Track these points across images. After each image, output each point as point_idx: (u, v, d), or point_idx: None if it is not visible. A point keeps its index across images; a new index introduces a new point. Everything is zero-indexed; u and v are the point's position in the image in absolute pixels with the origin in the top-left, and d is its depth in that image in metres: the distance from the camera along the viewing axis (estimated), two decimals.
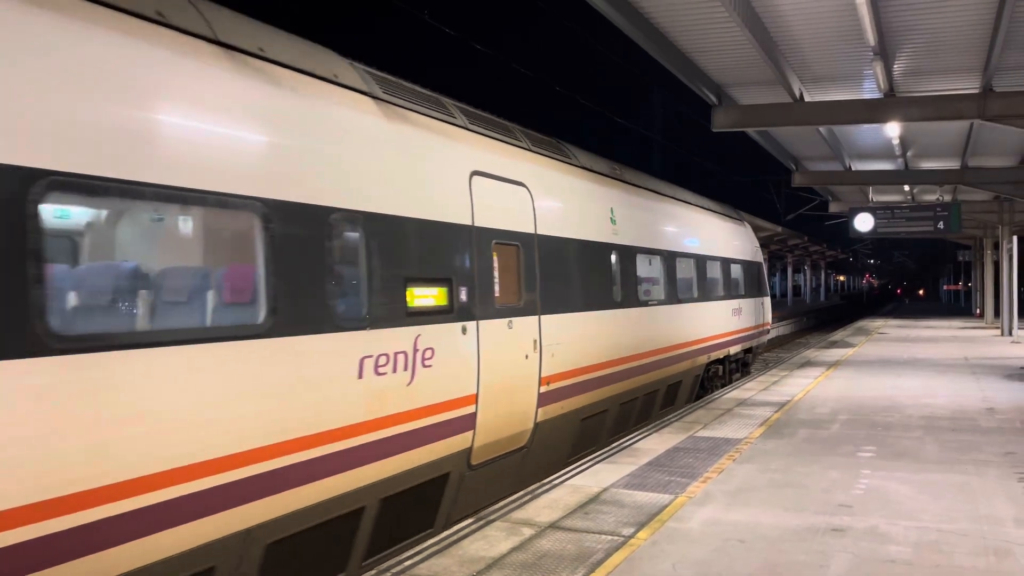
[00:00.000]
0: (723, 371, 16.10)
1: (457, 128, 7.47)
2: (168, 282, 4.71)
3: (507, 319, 7.69)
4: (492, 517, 6.35)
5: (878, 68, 11.94)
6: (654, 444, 9.16)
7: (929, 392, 13.14)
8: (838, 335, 28.68)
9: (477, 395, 7.09)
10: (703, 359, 14.36)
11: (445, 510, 7.01)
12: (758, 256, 19.28)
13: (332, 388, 5.43)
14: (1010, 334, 26.42)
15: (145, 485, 4.14)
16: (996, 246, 31.38)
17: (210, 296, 4.81)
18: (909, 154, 20.33)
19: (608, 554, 5.46)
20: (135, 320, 4.49)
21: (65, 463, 3.77)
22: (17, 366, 3.61)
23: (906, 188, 26.93)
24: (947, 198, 27.05)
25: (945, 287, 78.25)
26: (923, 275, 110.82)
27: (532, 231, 8.34)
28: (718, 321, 15.18)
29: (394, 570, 5.24)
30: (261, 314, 4.92)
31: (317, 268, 5.35)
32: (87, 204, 4.50)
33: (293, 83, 5.54)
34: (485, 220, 7.46)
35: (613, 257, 10.45)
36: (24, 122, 3.74)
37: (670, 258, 12.69)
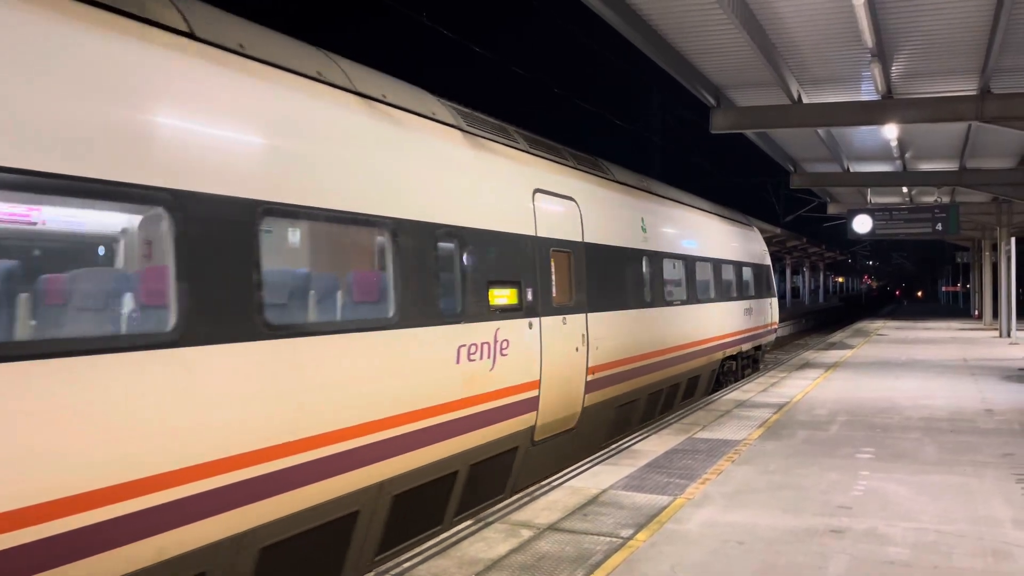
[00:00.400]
0: (736, 367, 17.08)
1: (521, 152, 8.68)
2: (350, 284, 6.15)
3: (562, 316, 8.87)
4: (491, 519, 6.35)
5: (876, 70, 11.96)
6: (653, 446, 9.17)
7: (928, 393, 13.16)
8: (837, 336, 28.70)
9: (540, 381, 8.28)
10: (719, 355, 15.42)
11: (512, 480, 8.11)
12: (766, 259, 20.34)
13: (440, 370, 6.66)
14: (1008, 335, 26.44)
15: (322, 440, 5.42)
16: (994, 247, 31.42)
17: (367, 294, 6.24)
18: (907, 156, 20.36)
19: (607, 556, 5.46)
20: (327, 314, 5.85)
21: (282, 418, 5.04)
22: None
23: (904, 190, 26.96)
24: (945, 200, 27.07)
25: (944, 288, 78.33)
26: (922, 277, 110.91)
27: (580, 239, 9.58)
28: (732, 320, 16.24)
29: (394, 572, 5.24)
30: (391, 310, 6.19)
31: (430, 272, 6.62)
32: (304, 227, 5.83)
33: (407, 122, 6.78)
34: (545, 230, 8.68)
35: (644, 262, 11.66)
36: (262, 170, 5.14)
37: (691, 262, 13.85)
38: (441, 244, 6.84)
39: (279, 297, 5.30)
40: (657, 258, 12.21)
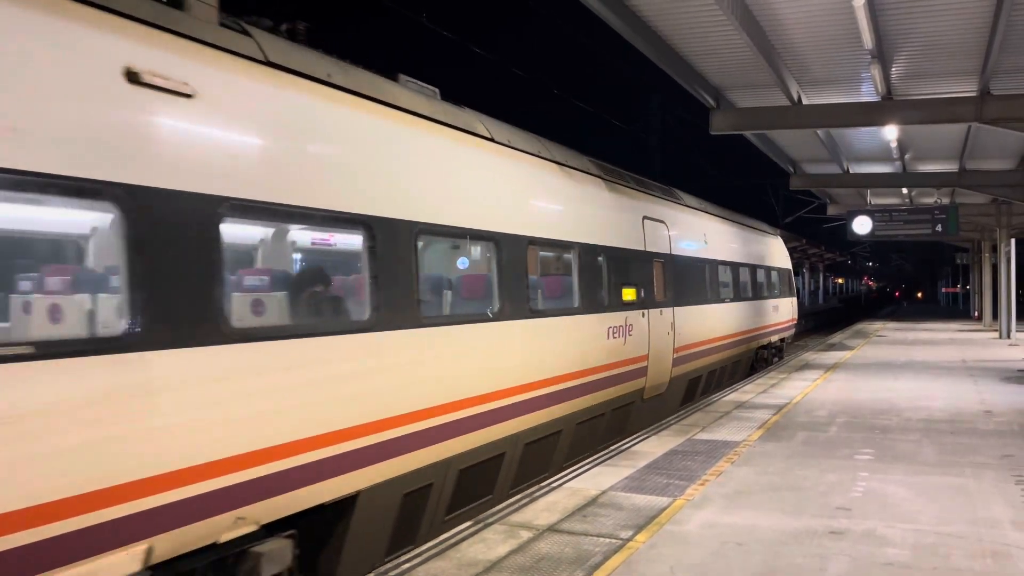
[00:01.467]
0: (767, 354, 20.29)
1: (632, 190, 11.74)
2: (561, 287, 9.28)
3: (659, 309, 11.93)
4: (490, 520, 6.35)
5: (876, 71, 11.97)
6: (652, 447, 9.17)
7: (927, 395, 13.15)
8: (836, 338, 28.70)
9: (648, 355, 11.33)
10: (755, 344, 18.59)
11: (630, 424, 11.19)
12: (788, 263, 23.55)
13: (598, 343, 9.69)
14: (1008, 337, 26.44)
15: (541, 384, 8.20)
16: (994, 249, 31.42)
17: (557, 291, 9.19)
18: (907, 157, 20.36)
19: (606, 557, 5.46)
20: (553, 304, 8.95)
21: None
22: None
23: (904, 191, 26.97)
24: (945, 201, 27.07)
25: (943, 290, 78.33)
26: (921, 278, 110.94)
27: (669, 252, 12.65)
28: (764, 315, 19.44)
29: (392, 573, 5.24)
30: (576, 302, 9.24)
31: (594, 277, 9.74)
32: (542, 252, 9.01)
33: (578, 177, 9.90)
34: (650, 246, 11.80)
35: (706, 268, 14.60)
36: (532, 218, 8.33)
37: (735, 267, 16.87)
38: (598, 258, 9.91)
39: (542, 294, 8.91)
40: (714, 265, 15.16)
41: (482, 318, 7.34)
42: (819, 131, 16.90)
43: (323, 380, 5.26)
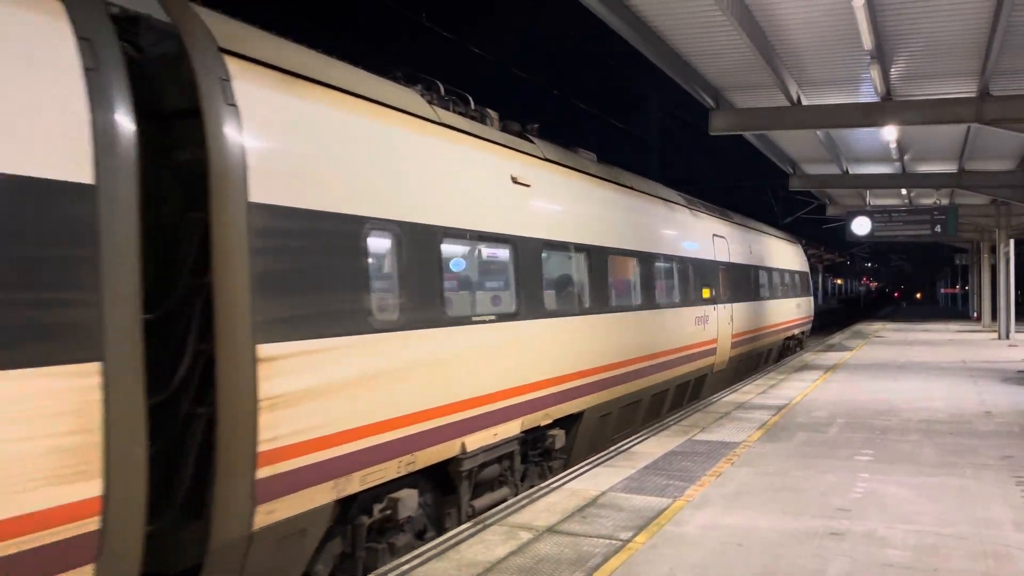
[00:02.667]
0: (792, 344, 24.23)
1: (704, 213, 15.57)
2: (673, 287, 12.82)
3: (723, 304, 15.57)
4: (490, 521, 6.34)
5: (875, 72, 11.96)
6: (652, 447, 9.16)
7: (927, 396, 13.15)
8: (836, 338, 28.69)
9: (716, 339, 15.02)
10: (784, 335, 22.36)
11: (703, 392, 14.69)
12: (806, 267, 27.74)
13: (686, 329, 13.16)
14: (1007, 337, 26.44)
15: (658, 355, 11.83)
16: (993, 249, 31.43)
17: (672, 290, 12.72)
18: (906, 158, 20.36)
19: (606, 558, 5.45)
20: (672, 299, 12.68)
21: (648, 343, 11.36)
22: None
23: (903, 191, 26.96)
24: (944, 201, 27.07)
25: (943, 290, 78.33)
26: (920, 278, 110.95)
27: (728, 260, 16.39)
28: (790, 311, 23.18)
29: (393, 574, 5.23)
30: (679, 298, 12.86)
31: (688, 280, 13.42)
32: (657, 263, 12.13)
33: (673, 207, 13.41)
34: (718, 256, 15.66)
35: (751, 272, 18.46)
36: (645, 238, 11.73)
37: (770, 272, 20.72)
38: (690, 267, 13.63)
39: (664, 292, 12.37)
40: (756, 270, 18.97)
41: (639, 307, 11.28)
42: (818, 132, 16.89)
43: (576, 340, 9.19)
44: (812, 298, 28.44)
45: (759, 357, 19.58)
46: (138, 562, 4.13)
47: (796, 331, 24.47)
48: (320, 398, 5.29)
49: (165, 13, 4.88)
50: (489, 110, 8.56)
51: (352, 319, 5.63)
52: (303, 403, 5.15)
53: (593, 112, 21.09)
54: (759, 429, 10.24)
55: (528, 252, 8.23)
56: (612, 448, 9.19)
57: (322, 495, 5.34)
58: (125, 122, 4.15)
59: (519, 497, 7.08)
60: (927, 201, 28.52)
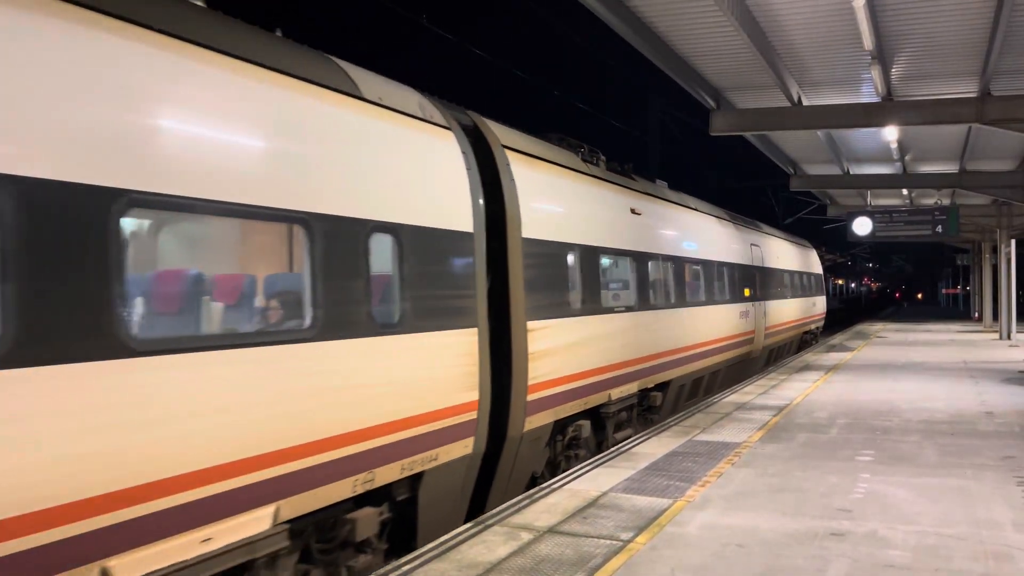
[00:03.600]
0: (809, 338, 27.90)
1: (743, 226, 18.98)
2: (719, 288, 16.14)
3: (758, 302, 18.99)
4: (490, 522, 6.34)
5: (876, 72, 11.95)
6: (653, 448, 9.16)
7: (928, 396, 13.14)
8: (836, 339, 28.68)
9: (755, 331, 18.46)
10: (803, 329, 26.34)
11: (746, 370, 18.08)
12: (820, 269, 32.22)
13: (735, 321, 16.71)
14: (1008, 338, 26.42)
15: (714, 342, 15.26)
16: (994, 250, 31.40)
17: (725, 290, 16.26)
18: (907, 158, 20.35)
19: (607, 559, 5.45)
20: (716, 297, 15.78)
21: (701, 334, 14.32)
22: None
23: (904, 192, 26.95)
24: (945, 202, 27.04)
25: (944, 291, 78.27)
26: (921, 279, 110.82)
27: (761, 265, 19.85)
28: (808, 308, 27.17)
29: (394, 575, 5.23)
30: (730, 297, 16.49)
31: (738, 282, 17.17)
32: (696, 266, 14.66)
33: (721, 222, 17.05)
34: (755, 262, 19.00)
35: (777, 275, 21.99)
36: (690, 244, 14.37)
37: (791, 274, 24.41)
38: (738, 271, 17.10)
39: (719, 291, 15.57)
40: (781, 273, 22.67)
41: (704, 303, 14.56)
42: (819, 132, 16.89)
43: (668, 327, 12.37)
44: (826, 297, 33.47)
45: (784, 347, 23.61)
46: (484, 439, 7.33)
47: (812, 326, 28.62)
48: (552, 355, 8.57)
49: (474, 124, 8.21)
50: (600, 153, 11.19)
51: (563, 307, 8.93)
52: (545, 357, 8.41)
53: (593, 112, 21.10)
54: (760, 430, 10.23)
55: (642, 263, 11.57)
56: (612, 449, 9.19)
57: (548, 417, 8.61)
58: (477, 196, 7.32)
59: (520, 497, 7.08)
60: (928, 201, 28.49)
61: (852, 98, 14.12)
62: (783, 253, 23.33)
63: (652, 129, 32.77)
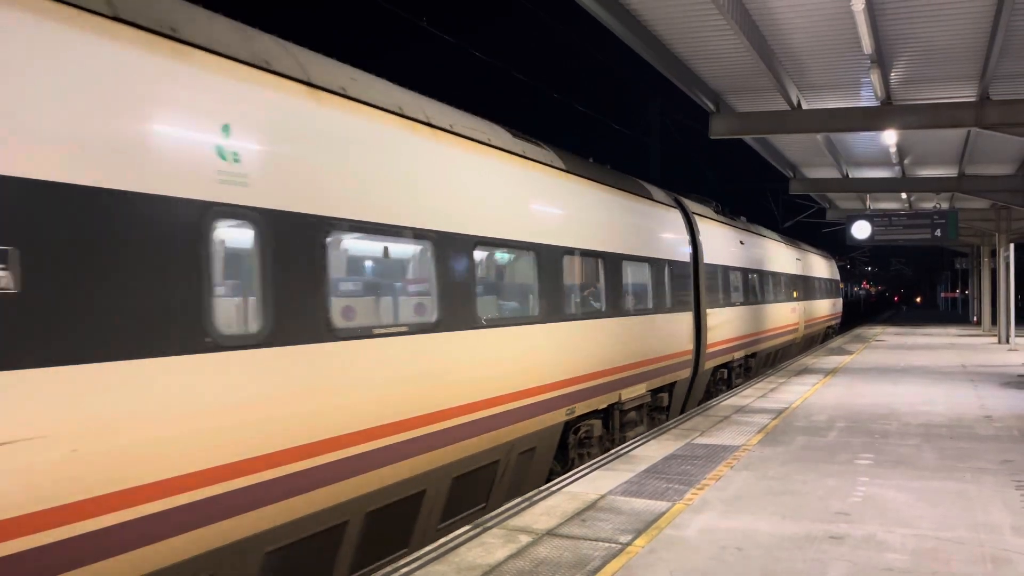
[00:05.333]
0: (830, 332, 34.09)
1: (789, 244, 25.72)
2: (788, 291, 24.46)
3: (800, 302, 25.54)
4: (489, 524, 6.33)
5: (875, 76, 11.97)
6: (651, 451, 9.15)
7: (926, 400, 13.14)
8: (836, 342, 28.69)
9: (798, 323, 25.07)
10: (825, 325, 32.37)
11: (790, 351, 24.33)
12: (837, 274, 38.87)
13: (788, 315, 23.42)
14: (1007, 341, 26.43)
15: (768, 332, 20.72)
16: (993, 254, 31.42)
17: (781, 292, 23.11)
18: (906, 161, 20.38)
19: (605, 561, 5.45)
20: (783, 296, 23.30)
21: (751, 326, 19.07)
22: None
23: (903, 195, 26.98)
24: (944, 206, 27.10)
25: (943, 294, 78.29)
26: (920, 282, 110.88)
27: (800, 274, 26.25)
28: (829, 308, 33.49)
29: None
30: (784, 297, 23.24)
31: (789, 288, 24.04)
32: (764, 276, 21.04)
33: (779, 242, 24.14)
34: (797, 271, 25.86)
35: (809, 281, 27.77)
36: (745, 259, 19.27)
37: (819, 280, 30.76)
38: (788, 279, 23.63)
39: (778, 293, 22.40)
40: (812, 279, 28.85)
41: (773, 301, 20.61)
42: (819, 136, 16.91)
43: (761, 316, 19.58)
44: (842, 299, 41.31)
45: (816, 336, 30.15)
46: (692, 369, 13.73)
47: (833, 321, 35.79)
48: (717, 328, 15.04)
49: (668, 198, 13.77)
50: (719, 204, 17.65)
51: (720, 301, 15.42)
52: (714, 329, 14.81)
53: (593, 115, 21.13)
54: (759, 433, 10.23)
55: (747, 275, 17.68)
56: (612, 451, 9.18)
57: (716, 362, 15.19)
58: (690, 243, 14.01)
59: (518, 500, 7.07)
60: (927, 205, 28.54)
61: (851, 102, 14.14)
62: (815, 264, 30.70)
63: (652, 132, 32.78)
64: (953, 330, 35.73)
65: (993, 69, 11.75)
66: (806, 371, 17.89)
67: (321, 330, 5.38)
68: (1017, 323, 27.39)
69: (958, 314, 56.89)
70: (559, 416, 8.68)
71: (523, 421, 7.82)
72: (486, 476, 7.52)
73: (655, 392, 12.15)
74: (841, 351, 23.75)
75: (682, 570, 5.27)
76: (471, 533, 6.10)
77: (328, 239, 5.54)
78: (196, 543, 4.48)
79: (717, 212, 17.13)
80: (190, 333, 4.45)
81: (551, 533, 6.10)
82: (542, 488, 7.49)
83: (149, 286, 4.24)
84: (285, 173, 5.22)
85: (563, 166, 9.42)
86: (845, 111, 14.05)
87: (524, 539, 5.95)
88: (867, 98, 13.86)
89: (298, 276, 5.25)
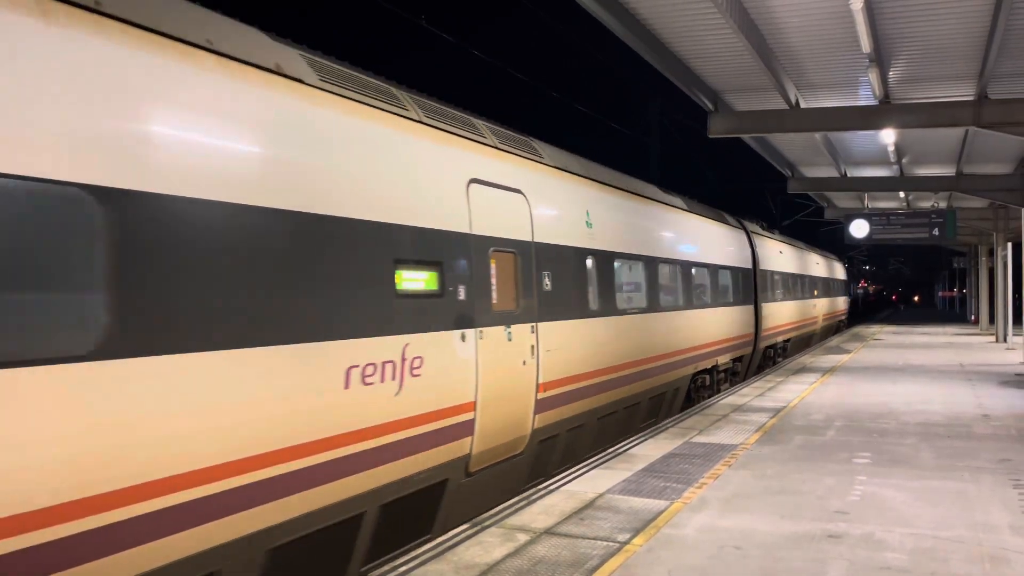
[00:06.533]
0: (840, 325, 39.46)
1: (812, 251, 31.88)
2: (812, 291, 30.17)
3: (823, 298, 31.99)
4: (487, 523, 6.33)
5: (873, 75, 11.97)
6: (650, 450, 9.15)
7: (924, 399, 13.15)
8: (834, 341, 28.72)
9: (818, 317, 30.82)
10: (837, 319, 37.07)
11: (813, 341, 29.76)
12: (843, 275, 43.57)
13: (810, 309, 28.44)
14: (1005, 341, 26.46)
15: (782, 328, 23.70)
16: (991, 253, 31.44)
17: (819, 289, 31.84)
18: (905, 161, 20.38)
19: (603, 560, 5.45)
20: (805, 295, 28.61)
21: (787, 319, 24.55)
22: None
23: (902, 194, 26.99)
24: (943, 205, 27.09)
25: (941, 294, 78.36)
26: (919, 282, 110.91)
27: (821, 275, 32.20)
28: (840, 304, 38.71)
29: (391, 575, 5.22)
30: (810, 295, 28.86)
31: (812, 285, 29.39)
32: (785, 278, 25.32)
33: (812, 252, 32.00)
34: (819, 274, 31.72)
35: (827, 282, 33.31)
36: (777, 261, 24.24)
37: (834, 280, 36.21)
38: (811, 279, 28.79)
39: (817, 291, 30.81)
40: (829, 279, 33.95)
41: (803, 298, 26.64)
42: (817, 135, 16.90)
43: (797, 309, 25.41)
44: (849, 297, 48.45)
45: (830, 327, 34.93)
46: (752, 349, 18.97)
47: (842, 316, 41.07)
48: (771, 317, 20.81)
49: (735, 221, 19.29)
50: (764, 222, 22.11)
51: (772, 297, 21.24)
52: (769, 318, 20.44)
53: (593, 115, 21.12)
54: (757, 432, 10.24)
55: (786, 278, 21.30)
56: (610, 450, 9.18)
57: (767, 342, 20.50)
58: (751, 254, 19.33)
59: (517, 499, 7.07)
60: (925, 204, 28.54)
61: (850, 101, 14.13)
62: (828, 266, 35.56)
63: (652, 131, 32.77)
64: (951, 329, 35.76)
65: (992, 68, 11.75)
66: (804, 370, 17.90)
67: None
68: (1015, 322, 27.43)
69: (956, 313, 56.95)
70: (690, 370, 14.04)
71: (687, 366, 13.66)
72: (672, 397, 13.30)
73: (734, 360, 17.56)
74: (839, 350, 23.76)
75: (680, 569, 5.27)
76: (469, 532, 6.10)
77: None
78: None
79: (764, 228, 22.93)
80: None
81: (549, 532, 6.10)
82: (540, 487, 7.49)
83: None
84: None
85: (688, 207, 15.08)
86: (843, 110, 14.04)
87: (522, 538, 5.95)
88: (865, 97, 13.85)
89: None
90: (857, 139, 18.15)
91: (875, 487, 7.38)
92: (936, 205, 26.35)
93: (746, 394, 13.93)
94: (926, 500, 6.93)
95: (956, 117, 13.26)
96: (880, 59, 11.60)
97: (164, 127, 4.40)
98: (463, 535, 6.03)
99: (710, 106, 14.08)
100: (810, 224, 44.07)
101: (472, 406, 7.05)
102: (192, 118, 4.58)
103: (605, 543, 5.82)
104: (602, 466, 8.33)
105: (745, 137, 16.32)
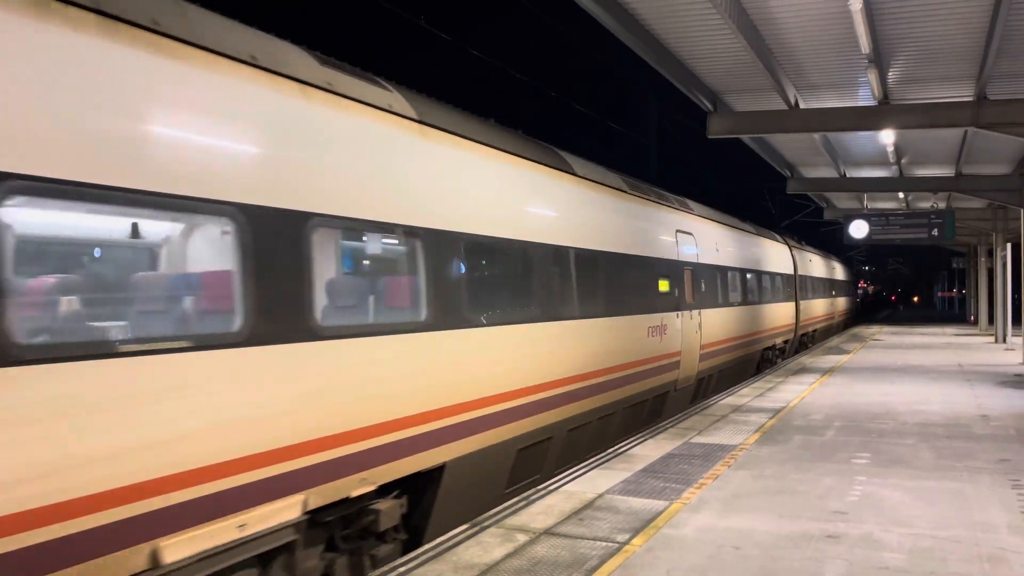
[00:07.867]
0: (844, 324, 41.50)
1: (826, 256, 37.35)
2: (823, 291, 35.12)
3: (837, 297, 38.34)
4: (487, 523, 6.34)
5: (872, 76, 11.98)
6: (649, 450, 9.16)
7: (923, 399, 13.17)
8: (833, 341, 28.73)
9: (833, 312, 36.51)
10: (842, 317, 40.10)
11: (830, 332, 35.05)
12: (851, 277, 47.98)
13: (829, 306, 34.75)
14: (1004, 341, 26.48)
15: (813, 320, 30.25)
16: (990, 253, 31.48)
17: (838, 289, 39.79)
18: (904, 161, 20.40)
19: (603, 560, 5.45)
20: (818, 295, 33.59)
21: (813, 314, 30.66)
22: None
23: (901, 195, 27.01)
24: (942, 205, 27.11)
25: (940, 294, 78.42)
26: (918, 282, 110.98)
27: (835, 278, 37.84)
28: (846, 303, 42.34)
29: (390, 575, 5.23)
30: (827, 294, 34.62)
31: (831, 288, 35.85)
32: (807, 280, 30.42)
33: (829, 258, 39.25)
34: (834, 276, 37.52)
35: (839, 283, 39.60)
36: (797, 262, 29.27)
37: (844, 282, 42.93)
38: (830, 282, 35.62)
39: (834, 293, 37.53)
40: (841, 281, 40.34)
41: (827, 296, 33.97)
42: (816, 135, 16.92)
43: (821, 306, 31.89)
44: (854, 297, 52.76)
45: (841, 322, 39.69)
46: (792, 338, 25.15)
47: (849, 313, 44.84)
48: (806, 312, 27.13)
49: (778, 235, 26.41)
50: (796, 237, 30.05)
51: (806, 295, 27.65)
52: (804, 312, 26.74)
53: (592, 115, 21.13)
54: (756, 432, 10.25)
55: (815, 281, 30.04)
56: (609, 450, 9.20)
57: (801, 331, 26.46)
58: (792, 262, 25.58)
59: (516, 499, 7.08)
60: (924, 204, 28.57)
61: (849, 101, 14.15)
62: (836, 268, 39.05)
63: (651, 132, 32.78)
64: (950, 329, 35.79)
65: (990, 69, 11.76)
66: (803, 370, 17.91)
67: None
68: (1014, 323, 27.45)
69: (955, 313, 56.99)
70: (764, 344, 19.57)
71: (764, 342, 17.93)
72: (758, 359, 18.85)
73: (784, 342, 22.23)
74: (838, 350, 23.78)
75: (680, 569, 5.28)
76: (469, 532, 6.11)
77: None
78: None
79: (797, 242, 29.01)
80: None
81: (549, 532, 6.11)
82: (539, 487, 7.51)
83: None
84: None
85: (757, 232, 20.62)
86: (843, 111, 14.05)
87: (522, 538, 5.96)
88: (865, 98, 13.87)
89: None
90: (856, 140, 18.16)
91: (874, 487, 7.39)
92: (935, 205, 26.37)
93: (745, 394, 13.94)
94: (925, 500, 6.94)
95: (955, 118, 13.28)
96: (879, 60, 11.61)
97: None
98: (462, 535, 6.04)
99: (709, 106, 14.10)
100: (809, 224, 44.30)
101: (679, 352, 13.18)
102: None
103: (604, 543, 5.82)
104: (601, 466, 8.34)
105: (744, 137, 16.34)
